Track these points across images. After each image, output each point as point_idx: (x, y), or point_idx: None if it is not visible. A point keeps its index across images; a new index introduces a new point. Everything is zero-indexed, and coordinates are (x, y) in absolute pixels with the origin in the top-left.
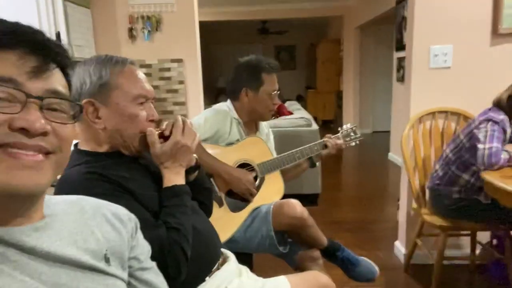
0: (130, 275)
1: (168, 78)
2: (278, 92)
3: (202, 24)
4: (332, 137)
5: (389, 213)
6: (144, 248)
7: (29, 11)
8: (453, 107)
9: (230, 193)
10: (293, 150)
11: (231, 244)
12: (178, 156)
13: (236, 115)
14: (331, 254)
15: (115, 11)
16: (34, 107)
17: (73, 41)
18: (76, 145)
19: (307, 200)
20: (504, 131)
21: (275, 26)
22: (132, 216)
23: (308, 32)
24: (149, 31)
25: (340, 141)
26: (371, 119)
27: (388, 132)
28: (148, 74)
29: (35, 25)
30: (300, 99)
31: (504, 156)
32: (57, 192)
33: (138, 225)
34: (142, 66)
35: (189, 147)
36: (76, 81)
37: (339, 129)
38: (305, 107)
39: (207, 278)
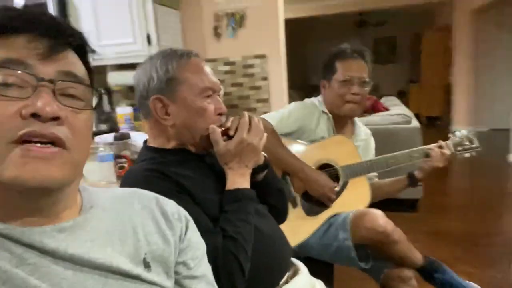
0: (177, 282)
1: (251, 75)
2: (361, 80)
3: (294, 21)
4: (442, 143)
5: (508, 224)
6: (196, 252)
7: (123, 15)
8: None
9: (306, 195)
10: (386, 155)
11: (305, 249)
12: (243, 156)
13: (326, 109)
14: (428, 275)
15: (202, 10)
16: (45, 91)
17: (162, 42)
18: (145, 141)
19: (405, 205)
20: None
21: (373, 17)
22: (183, 213)
23: (411, 21)
24: (233, 27)
25: (448, 151)
26: (487, 116)
27: (508, 130)
28: (231, 72)
29: (128, 28)
30: (401, 94)
31: None
32: (120, 187)
33: (190, 224)
34: (226, 63)
35: (255, 146)
36: (144, 77)
37: (450, 135)
38: (407, 103)
39: None
